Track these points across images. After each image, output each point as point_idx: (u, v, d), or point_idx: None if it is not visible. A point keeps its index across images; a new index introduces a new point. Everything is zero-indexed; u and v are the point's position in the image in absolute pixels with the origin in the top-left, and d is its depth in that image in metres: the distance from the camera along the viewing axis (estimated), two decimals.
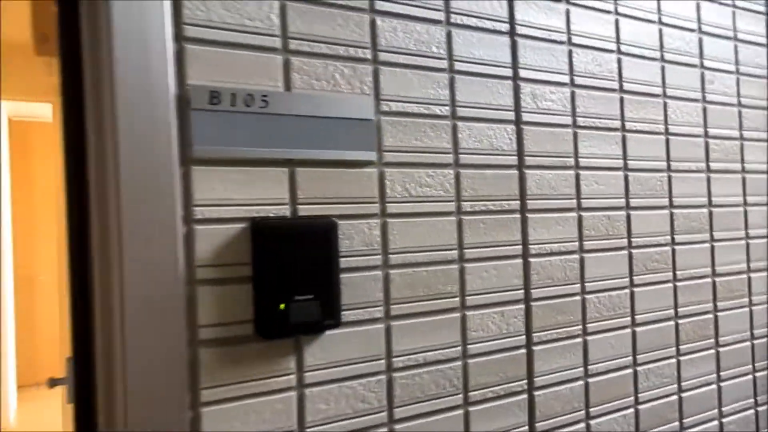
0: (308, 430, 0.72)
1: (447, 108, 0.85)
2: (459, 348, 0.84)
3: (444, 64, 0.85)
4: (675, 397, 1.06)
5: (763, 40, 1.24)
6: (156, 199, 0.64)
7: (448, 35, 0.86)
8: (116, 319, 0.62)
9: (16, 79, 3.35)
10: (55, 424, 4.18)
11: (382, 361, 0.78)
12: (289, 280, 0.69)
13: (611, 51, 1.02)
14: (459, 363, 0.84)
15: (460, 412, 0.83)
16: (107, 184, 0.63)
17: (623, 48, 1.03)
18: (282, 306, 0.69)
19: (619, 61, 1.03)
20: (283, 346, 0.71)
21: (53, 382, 0.68)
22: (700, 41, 1.14)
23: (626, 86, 1.03)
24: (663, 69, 1.08)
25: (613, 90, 1.02)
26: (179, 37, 0.67)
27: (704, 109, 1.14)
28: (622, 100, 1.02)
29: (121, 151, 0.62)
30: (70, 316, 0.66)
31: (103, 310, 0.63)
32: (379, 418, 0.77)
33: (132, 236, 0.62)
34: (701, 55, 1.14)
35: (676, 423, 1.06)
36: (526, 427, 0.89)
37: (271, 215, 0.71)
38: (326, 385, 0.74)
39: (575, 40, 0.98)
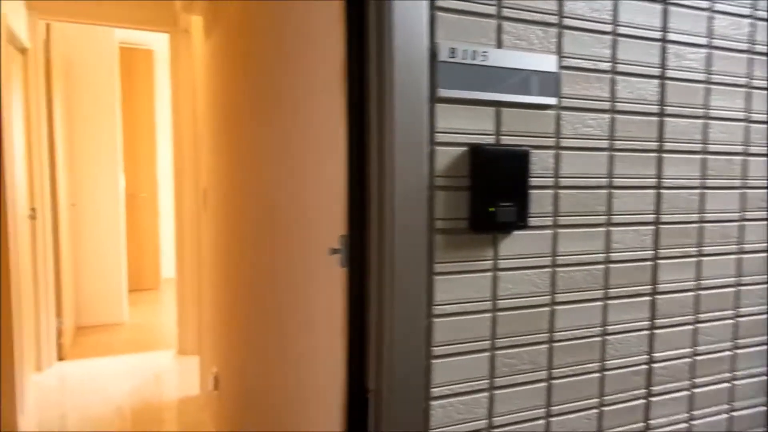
0: (499, 300, 0.99)
1: (609, 64, 1.06)
2: (603, 255, 1.08)
3: (609, 28, 1.05)
4: None
5: None
6: (413, 126, 0.89)
7: (615, 5, 1.05)
8: (387, 207, 0.89)
9: (133, 7, 3.64)
10: (156, 320, 4.76)
11: (549, 258, 1.04)
12: (496, 190, 0.95)
13: (745, 16, 1.18)
14: (602, 266, 1.09)
15: (601, 303, 1.09)
16: (384, 112, 0.89)
17: (758, 15, 1.19)
18: (491, 209, 0.94)
19: (752, 25, 1.19)
20: (486, 239, 0.98)
21: (333, 251, 0.97)
22: None
23: (758, 48, 1.20)
24: None
25: (743, 51, 1.19)
26: (433, 6, 0.91)
27: None
28: (751, 61, 1.20)
29: (395, 89, 0.87)
30: (348, 204, 0.93)
31: (380, 199, 0.90)
32: (545, 300, 1.04)
33: (399, 151, 0.88)
34: None
35: None
36: (648, 322, 1.14)
37: (483, 143, 0.96)
38: (511, 271, 1.00)
39: (716, 7, 1.15)
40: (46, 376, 3.51)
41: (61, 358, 3.79)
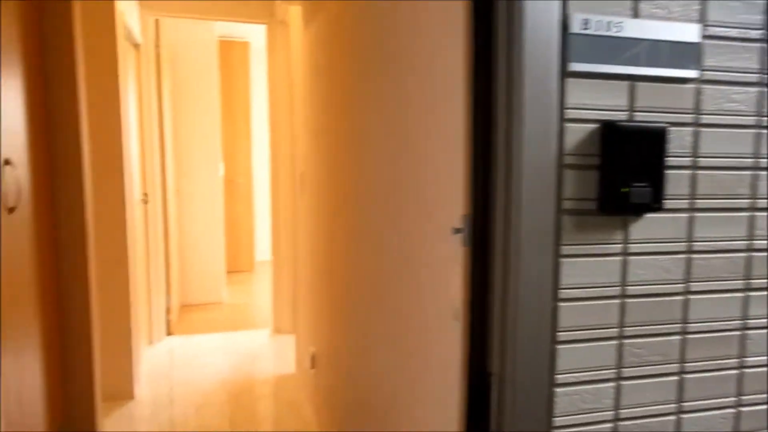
0: (628, 286, 0.94)
1: (761, 32, 0.96)
2: (745, 242, 1.00)
3: None
4: None
5: None
6: (543, 102, 0.86)
7: None
8: (514, 186, 0.86)
9: (233, 1, 3.79)
10: (251, 300, 4.98)
11: (685, 244, 0.96)
12: (629, 170, 0.89)
13: None
14: (744, 255, 1.00)
15: (741, 295, 1.00)
16: (513, 88, 0.86)
17: None
18: (624, 189, 0.89)
19: None
20: (616, 221, 0.92)
21: (456, 230, 0.96)
22: None
23: None
24: None
25: None
26: None
27: None
28: None
29: (525, 64, 0.84)
30: (471, 182, 0.92)
31: (506, 178, 0.88)
32: (678, 288, 0.97)
33: (528, 127, 0.85)
34: None
35: None
36: None
37: (616, 119, 0.90)
38: (643, 255, 0.94)
39: None
40: (156, 349, 3.78)
41: (169, 333, 4.07)
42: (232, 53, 5.68)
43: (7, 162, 1.38)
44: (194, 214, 4.87)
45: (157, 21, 3.88)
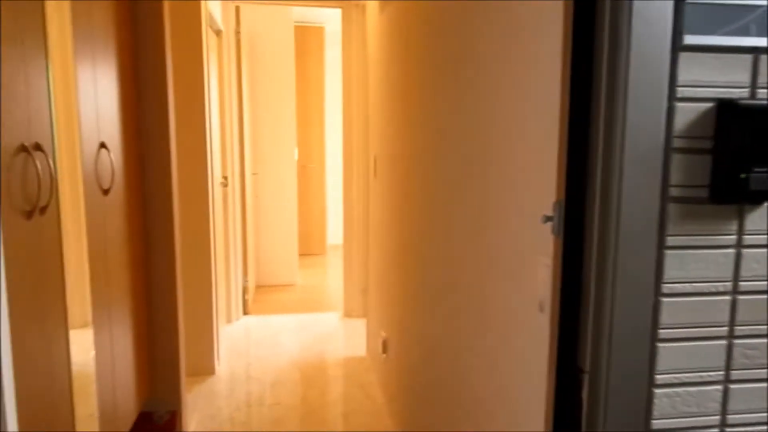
0: (741, 282, 0.86)
1: None
2: None
3: None
4: None
5: None
6: (651, 78, 0.79)
7: None
8: (614, 170, 0.80)
9: None
10: (323, 283, 5.08)
11: None
12: (749, 153, 0.81)
13: None
14: None
15: None
16: (617, 64, 0.79)
17: None
18: (743, 175, 0.81)
19: None
20: (730, 210, 0.84)
21: (546, 219, 0.91)
22: None
23: None
24: None
25: None
26: None
27: None
28: None
29: (632, 36, 0.77)
30: (566, 166, 0.86)
31: (605, 162, 0.81)
32: None
33: (632, 107, 0.78)
34: None
35: None
36: None
37: (735, 97, 0.82)
38: (759, 248, 0.85)
39: None
40: (234, 328, 3.93)
41: (245, 313, 4.22)
42: (307, 38, 5.75)
43: (102, 146, 1.45)
44: (269, 198, 5.00)
45: (237, 8, 3.97)
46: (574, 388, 0.90)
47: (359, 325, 3.97)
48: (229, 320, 3.92)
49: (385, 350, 2.68)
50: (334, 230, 6.81)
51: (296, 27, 5.57)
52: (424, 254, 1.88)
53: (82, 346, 1.30)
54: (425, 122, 1.83)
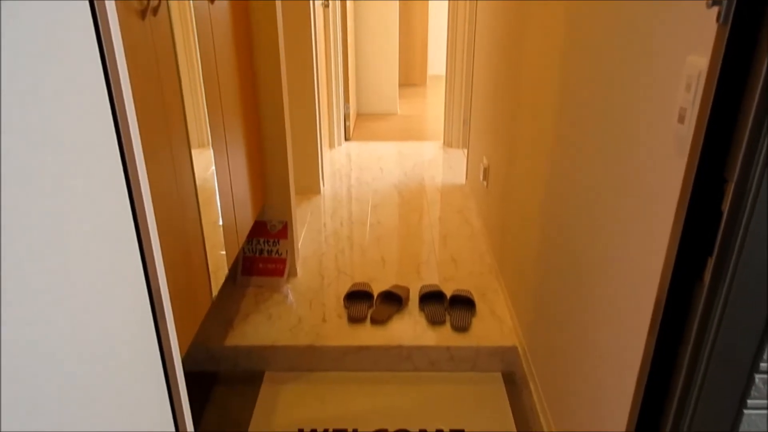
0: None
1: None
2: None
3: None
4: None
5: None
6: None
7: None
8: None
9: None
10: (423, 113, 5.04)
11: None
12: None
13: None
14: None
15: None
16: None
17: None
18: None
19: None
20: None
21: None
22: None
23: None
24: None
25: None
26: None
27: None
28: None
29: None
30: None
31: None
32: None
33: None
34: None
35: None
36: None
37: None
38: None
39: None
40: (336, 152, 4.08)
41: (347, 139, 4.34)
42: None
43: None
44: (370, 26, 4.81)
45: None
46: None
47: (459, 155, 3.97)
48: (331, 145, 4.06)
49: (485, 177, 2.69)
50: (434, 61, 6.55)
51: None
52: (534, 80, 1.76)
53: (202, 165, 1.40)
54: None
